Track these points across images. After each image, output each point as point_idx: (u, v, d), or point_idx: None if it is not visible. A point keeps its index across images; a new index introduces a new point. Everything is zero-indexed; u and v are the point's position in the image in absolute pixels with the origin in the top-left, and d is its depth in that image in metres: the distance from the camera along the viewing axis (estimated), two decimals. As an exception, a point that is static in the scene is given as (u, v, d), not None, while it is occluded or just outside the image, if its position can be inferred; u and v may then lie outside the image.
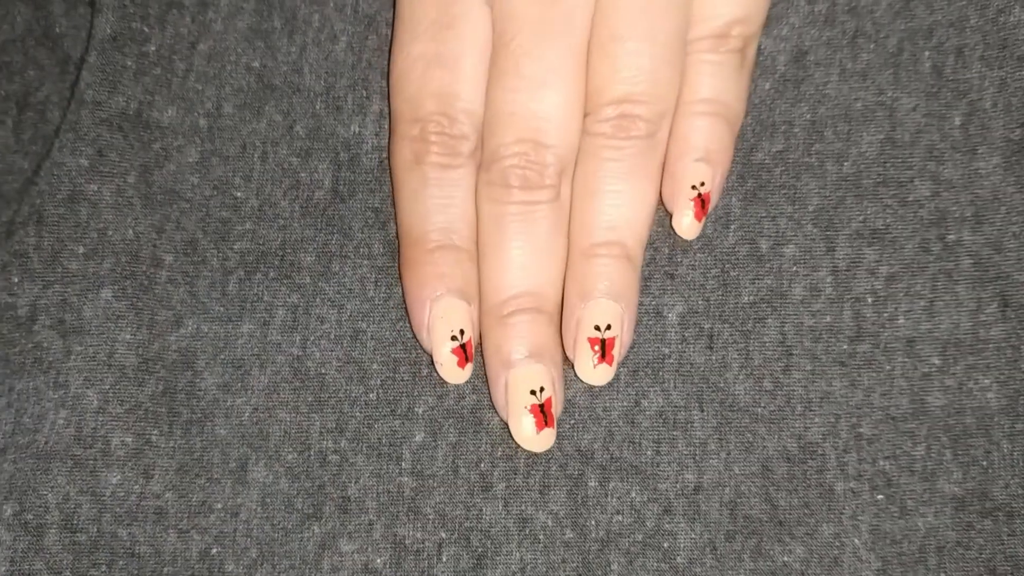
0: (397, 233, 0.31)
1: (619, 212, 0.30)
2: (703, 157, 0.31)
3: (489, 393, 0.31)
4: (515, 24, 0.29)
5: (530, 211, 0.30)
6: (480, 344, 0.31)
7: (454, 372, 0.30)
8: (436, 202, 0.30)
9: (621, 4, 0.29)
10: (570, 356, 0.30)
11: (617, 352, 0.30)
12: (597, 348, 0.30)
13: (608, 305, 0.30)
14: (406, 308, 0.31)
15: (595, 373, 0.30)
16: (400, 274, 0.31)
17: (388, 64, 0.31)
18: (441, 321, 0.30)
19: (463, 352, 0.30)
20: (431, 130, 0.30)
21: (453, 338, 0.30)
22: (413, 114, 0.30)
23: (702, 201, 0.31)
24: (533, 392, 0.30)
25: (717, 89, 0.30)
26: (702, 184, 0.31)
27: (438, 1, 0.30)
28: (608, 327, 0.30)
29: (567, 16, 0.29)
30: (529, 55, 0.29)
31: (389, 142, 0.31)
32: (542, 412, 0.30)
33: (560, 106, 0.29)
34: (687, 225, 0.31)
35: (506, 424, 0.30)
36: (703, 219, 0.31)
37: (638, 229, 0.30)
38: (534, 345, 0.30)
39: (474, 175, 0.30)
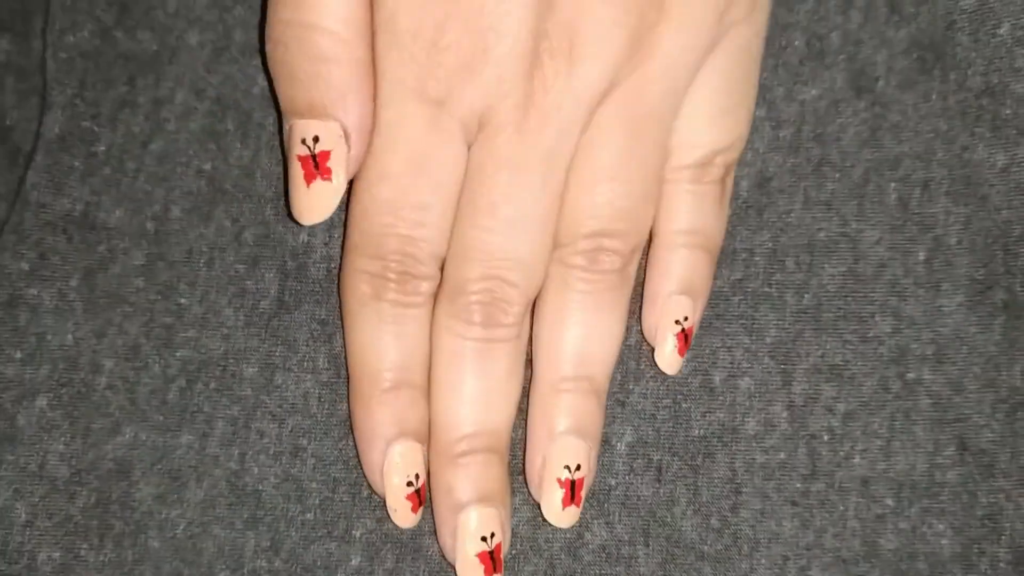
0: (347, 365, 0.30)
1: (589, 345, 0.29)
2: (685, 290, 0.30)
3: (433, 526, 0.30)
4: (494, 163, 0.28)
5: (489, 348, 0.29)
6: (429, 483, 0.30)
7: (407, 517, 0.30)
8: (393, 340, 0.29)
9: (605, 144, 0.28)
10: (535, 495, 0.30)
11: (584, 492, 0.30)
12: (569, 489, 0.29)
13: (576, 444, 0.29)
14: (357, 446, 0.30)
15: (564, 515, 0.30)
16: (351, 409, 0.30)
17: (349, 195, 0.30)
18: (397, 467, 0.29)
19: (417, 497, 0.29)
20: (393, 269, 0.29)
21: (409, 483, 0.29)
22: (375, 251, 0.29)
23: (685, 336, 0.30)
24: (484, 539, 0.29)
25: (698, 220, 0.30)
26: (685, 319, 0.30)
27: (410, 138, 0.28)
28: (578, 467, 0.29)
29: (550, 158, 0.28)
30: (507, 197, 0.28)
31: (341, 271, 0.30)
32: (492, 559, 0.29)
33: (533, 250, 0.29)
34: (670, 359, 0.30)
35: (448, 560, 0.30)
36: (685, 354, 0.30)
37: (607, 363, 0.30)
38: (487, 488, 0.29)
39: (430, 311, 0.30)
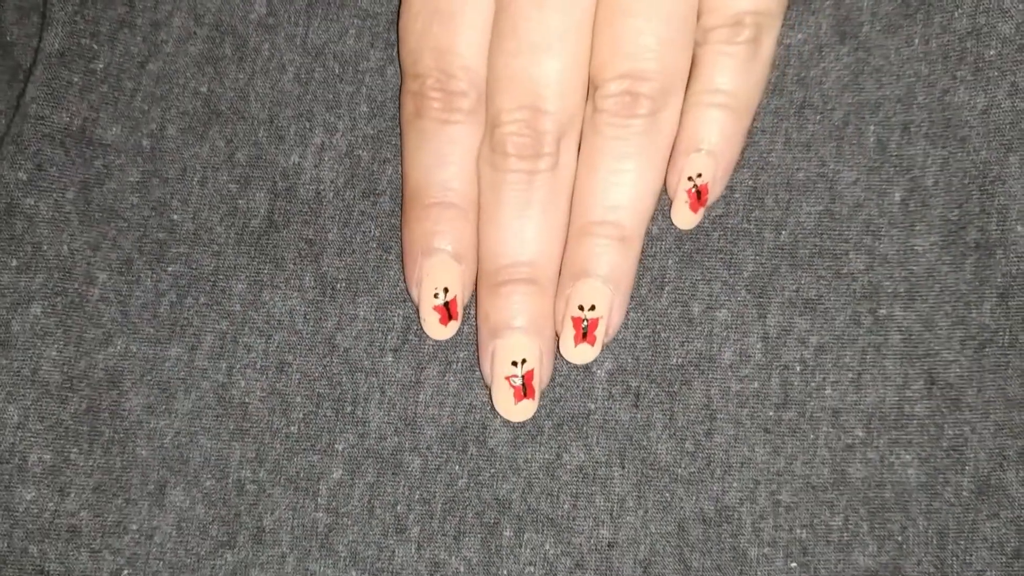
0: (402, 189, 0.33)
1: (619, 192, 0.31)
2: (704, 148, 0.32)
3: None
4: None
5: (528, 179, 0.31)
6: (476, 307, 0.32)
7: (436, 328, 0.32)
8: (434, 157, 0.32)
9: None
10: (559, 333, 0.32)
11: (601, 333, 0.32)
12: (583, 328, 0.31)
13: (596, 286, 0.31)
14: (402, 262, 0.33)
15: (576, 352, 0.32)
16: (401, 229, 0.33)
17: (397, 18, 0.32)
18: (428, 278, 0.32)
19: (446, 310, 0.32)
20: (429, 85, 0.31)
21: (436, 295, 0.32)
22: (413, 69, 0.31)
23: (698, 193, 0.32)
24: (515, 363, 0.31)
25: (726, 79, 0.31)
26: (699, 176, 0.32)
27: None
28: (592, 307, 0.31)
29: None
30: (529, 19, 0.30)
31: (400, 95, 0.33)
32: (523, 384, 0.31)
33: (560, 72, 0.30)
34: (681, 216, 0.32)
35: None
36: (699, 211, 0.32)
37: (637, 210, 0.32)
38: (522, 317, 0.31)
39: (476, 133, 0.32)
